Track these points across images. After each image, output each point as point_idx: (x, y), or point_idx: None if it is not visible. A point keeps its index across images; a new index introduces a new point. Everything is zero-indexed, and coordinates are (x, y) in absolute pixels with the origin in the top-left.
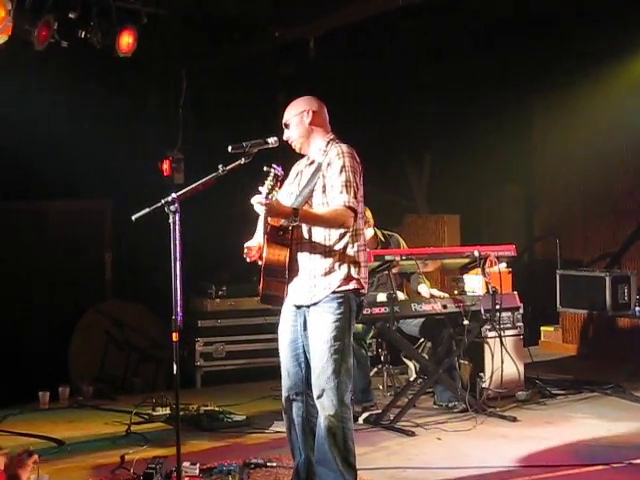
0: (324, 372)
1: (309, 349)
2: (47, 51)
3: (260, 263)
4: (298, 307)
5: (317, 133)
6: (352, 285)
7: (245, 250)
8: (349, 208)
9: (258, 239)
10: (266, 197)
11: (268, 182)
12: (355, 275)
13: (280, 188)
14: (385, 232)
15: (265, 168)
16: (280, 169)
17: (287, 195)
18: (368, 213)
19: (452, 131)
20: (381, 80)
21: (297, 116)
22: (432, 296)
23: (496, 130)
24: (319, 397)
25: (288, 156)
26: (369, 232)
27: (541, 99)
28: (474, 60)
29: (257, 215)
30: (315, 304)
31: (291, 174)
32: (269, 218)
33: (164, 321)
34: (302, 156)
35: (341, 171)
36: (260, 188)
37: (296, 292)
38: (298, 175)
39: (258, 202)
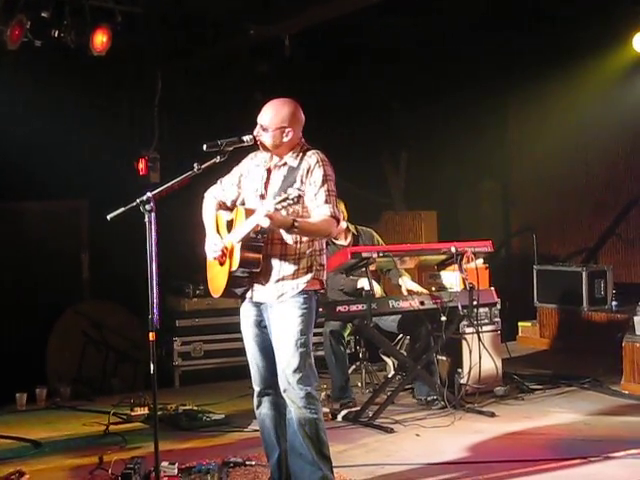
0: (289, 365)
1: (273, 344)
2: (20, 50)
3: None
4: (261, 304)
5: (294, 135)
6: (316, 286)
7: (218, 247)
8: (334, 218)
9: (219, 240)
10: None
11: (280, 197)
12: (320, 277)
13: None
14: (358, 227)
15: None
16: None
17: (252, 192)
18: (341, 206)
19: (428, 128)
20: (357, 78)
21: (278, 130)
22: (409, 291)
23: (472, 127)
24: (285, 391)
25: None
26: (342, 224)
27: (516, 95)
28: (449, 57)
29: None
30: (281, 302)
31: (249, 169)
32: (261, 226)
33: (142, 321)
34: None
35: (324, 181)
36: (265, 201)
37: (261, 290)
38: (263, 172)
39: (260, 212)
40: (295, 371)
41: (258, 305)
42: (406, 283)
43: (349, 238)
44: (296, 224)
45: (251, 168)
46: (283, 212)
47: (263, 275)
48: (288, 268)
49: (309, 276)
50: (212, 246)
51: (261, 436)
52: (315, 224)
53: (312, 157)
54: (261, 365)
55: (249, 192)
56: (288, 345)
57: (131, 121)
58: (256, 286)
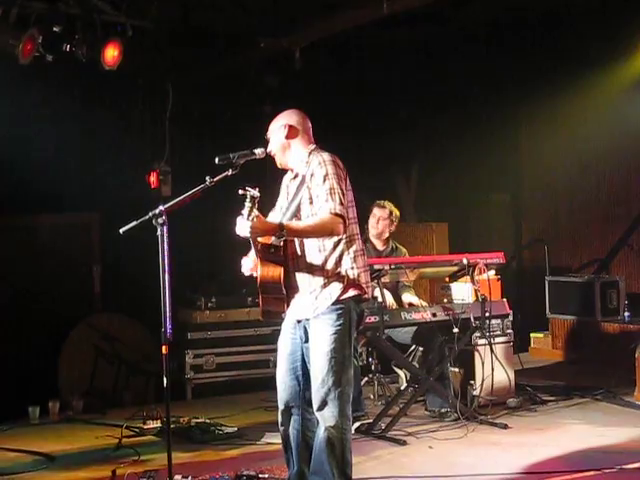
0: (324, 384)
1: (309, 361)
2: (32, 65)
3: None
4: (299, 321)
5: (296, 146)
6: (352, 292)
7: (244, 265)
8: (336, 215)
9: (253, 256)
10: (247, 218)
11: (247, 204)
12: (354, 281)
13: (257, 208)
14: (395, 243)
15: (240, 192)
16: (255, 190)
17: (278, 211)
18: (397, 212)
19: (440, 140)
20: (368, 90)
21: (275, 131)
22: (410, 304)
23: (483, 139)
24: (319, 409)
25: (275, 167)
26: (391, 230)
27: (527, 108)
28: (461, 70)
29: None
30: (316, 316)
31: (281, 189)
32: (258, 237)
33: (153, 334)
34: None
35: (324, 180)
36: (242, 212)
37: (298, 307)
38: (285, 189)
39: (241, 225)
40: (329, 390)
41: (294, 323)
42: (406, 297)
43: (389, 247)
44: (283, 226)
45: (282, 188)
46: (288, 215)
47: (294, 290)
48: (317, 278)
49: (342, 283)
50: (245, 262)
51: (283, 451)
52: (309, 224)
53: (315, 160)
54: (289, 385)
55: (277, 211)
56: (322, 364)
57: (142, 134)
58: (292, 302)
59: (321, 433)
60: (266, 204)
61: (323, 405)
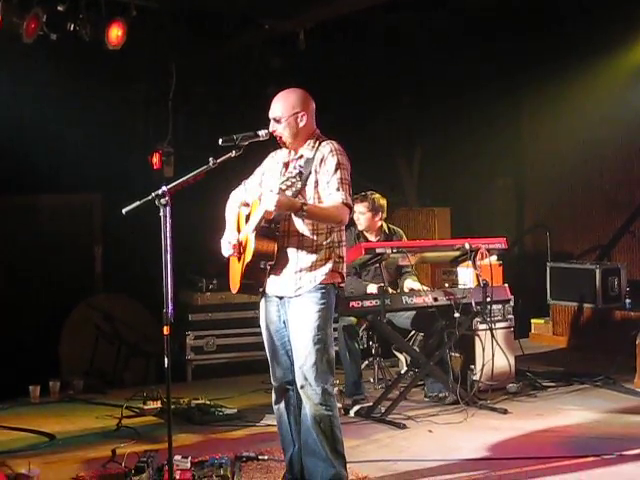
0: (306, 362)
1: (290, 339)
2: (36, 44)
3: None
4: (280, 298)
5: (305, 130)
6: (334, 278)
7: (228, 245)
8: (346, 205)
9: (232, 237)
10: (278, 192)
11: (282, 178)
12: (339, 270)
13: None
14: (391, 227)
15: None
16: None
17: (270, 188)
18: (383, 201)
19: (443, 125)
20: (371, 73)
21: (291, 117)
22: (411, 290)
23: (486, 123)
24: (302, 387)
25: (278, 148)
26: (377, 222)
27: (530, 92)
28: (464, 54)
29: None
30: (298, 295)
31: (270, 167)
32: (268, 211)
33: (154, 315)
34: (268, 146)
35: (336, 169)
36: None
37: (279, 283)
38: (279, 167)
39: (269, 199)
40: (311, 368)
41: (277, 300)
42: (408, 283)
43: (380, 236)
44: (305, 207)
45: (272, 166)
46: (288, 193)
47: (280, 267)
48: (305, 260)
49: (327, 268)
50: (226, 243)
51: (278, 431)
52: (325, 209)
53: (326, 147)
54: (279, 361)
55: (268, 188)
56: (305, 341)
57: (145, 115)
58: (273, 278)
59: (307, 412)
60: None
61: (306, 383)
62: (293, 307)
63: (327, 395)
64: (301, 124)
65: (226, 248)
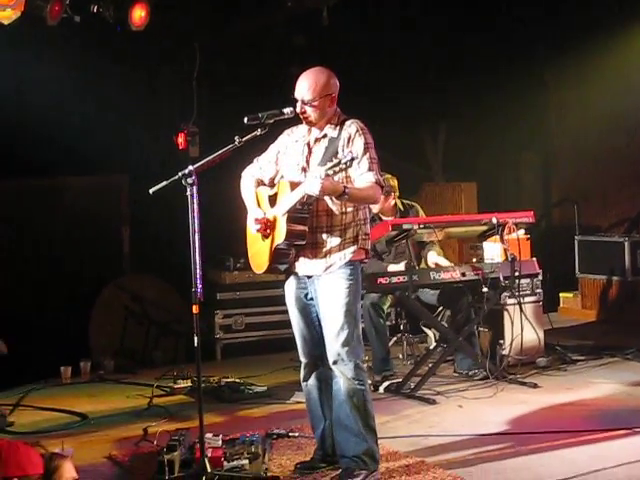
0: (339, 337)
1: (321, 316)
2: (60, 26)
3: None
4: (308, 277)
5: (331, 110)
6: (362, 256)
7: (260, 220)
8: (379, 185)
9: (260, 212)
10: (322, 177)
11: (328, 164)
12: (365, 247)
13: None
14: (405, 202)
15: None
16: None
17: (293, 167)
18: (394, 182)
19: (468, 99)
20: (395, 49)
21: (322, 99)
22: (436, 265)
23: (512, 97)
24: (335, 362)
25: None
26: (391, 201)
27: (556, 66)
28: (490, 28)
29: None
30: (329, 273)
31: (287, 145)
32: (310, 196)
33: (183, 294)
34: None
35: (365, 149)
36: (315, 170)
37: (308, 263)
38: (302, 146)
39: (314, 183)
40: (344, 343)
41: (304, 278)
42: (432, 257)
43: (396, 215)
44: (347, 190)
45: (289, 144)
46: (336, 177)
47: (310, 248)
48: (335, 239)
49: (355, 246)
50: (253, 220)
51: (307, 407)
52: (363, 190)
53: (352, 126)
54: (308, 337)
55: (289, 167)
56: (337, 317)
57: (170, 96)
58: (302, 259)
59: (340, 387)
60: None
61: (339, 358)
62: (323, 284)
63: (359, 370)
64: (327, 104)
65: (254, 226)
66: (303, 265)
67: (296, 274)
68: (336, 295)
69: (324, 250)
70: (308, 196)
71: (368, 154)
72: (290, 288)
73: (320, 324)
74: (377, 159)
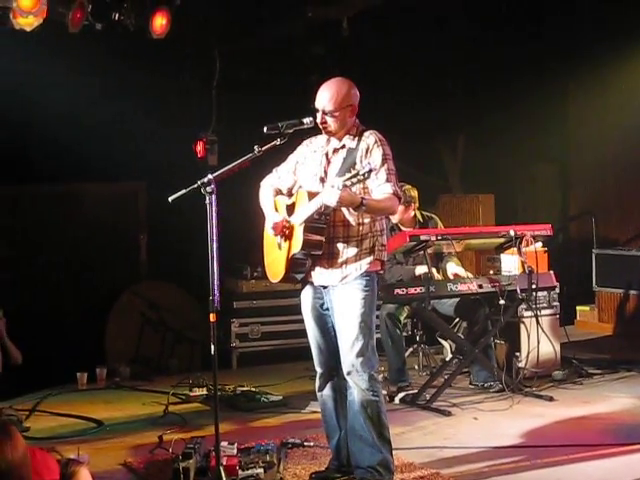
0: (353, 348)
1: (336, 326)
2: (81, 33)
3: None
4: (324, 287)
5: (350, 122)
6: (377, 267)
7: (279, 224)
8: (396, 196)
9: (279, 216)
10: (339, 188)
11: (347, 175)
12: (382, 258)
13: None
14: (425, 213)
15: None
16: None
17: (311, 177)
18: (414, 192)
19: (487, 111)
20: (414, 59)
21: (343, 110)
22: (455, 275)
23: (531, 109)
24: (349, 373)
25: (312, 136)
26: (410, 214)
27: (576, 78)
28: (508, 40)
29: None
30: (345, 284)
31: (305, 155)
32: (327, 206)
33: (199, 302)
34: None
35: (383, 160)
36: (330, 181)
37: (324, 273)
38: (320, 156)
39: (332, 194)
40: (359, 354)
41: (320, 288)
42: (451, 268)
43: (415, 226)
44: (364, 202)
45: (307, 154)
46: (354, 189)
47: (326, 258)
48: (351, 250)
49: (371, 257)
50: (272, 223)
51: (322, 417)
52: (381, 201)
53: (370, 137)
54: (323, 347)
55: (307, 177)
56: (352, 328)
57: (189, 103)
58: (318, 269)
59: (354, 398)
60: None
61: (353, 369)
62: (338, 294)
63: (373, 381)
64: (350, 117)
65: (273, 231)
66: (319, 275)
67: (312, 284)
68: (351, 306)
69: (340, 261)
70: (325, 206)
71: (386, 165)
72: (306, 298)
73: (335, 334)
74: (395, 170)
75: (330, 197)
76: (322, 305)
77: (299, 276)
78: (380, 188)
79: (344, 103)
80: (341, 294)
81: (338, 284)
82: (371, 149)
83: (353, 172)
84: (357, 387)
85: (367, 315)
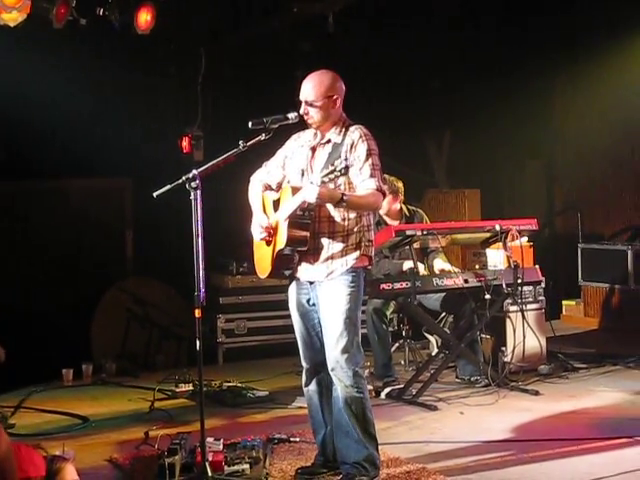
0: (338, 344)
1: (322, 322)
2: (66, 29)
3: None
4: (310, 282)
5: (335, 115)
6: (364, 262)
7: (264, 226)
8: (380, 191)
9: (265, 219)
10: (318, 184)
11: (325, 171)
12: (369, 254)
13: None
14: (410, 207)
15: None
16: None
17: (297, 172)
18: (399, 184)
19: (473, 107)
20: (400, 55)
21: (325, 100)
22: (441, 271)
23: (517, 105)
24: (333, 369)
25: (301, 130)
26: (397, 206)
27: (562, 73)
28: (494, 35)
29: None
30: (330, 279)
31: (294, 150)
32: (308, 203)
33: (185, 298)
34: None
35: (368, 155)
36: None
37: (310, 269)
38: (305, 151)
39: (310, 191)
40: (343, 350)
41: (306, 283)
42: (438, 264)
43: (401, 219)
44: (345, 197)
45: (295, 149)
46: (331, 185)
47: (311, 254)
48: (337, 246)
49: (358, 253)
50: (258, 227)
51: (308, 413)
52: (363, 197)
53: (355, 132)
54: (309, 343)
55: (294, 172)
56: (336, 324)
57: (175, 99)
58: (304, 265)
59: (339, 394)
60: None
61: (337, 365)
62: (324, 290)
63: (358, 377)
64: (331, 106)
65: (258, 232)
66: (305, 271)
67: (298, 279)
68: (336, 302)
69: (326, 256)
70: (308, 203)
71: (370, 160)
72: (292, 293)
73: (322, 330)
74: (380, 166)
75: (309, 194)
76: (308, 300)
77: (286, 272)
78: (364, 184)
79: (326, 93)
80: (327, 290)
81: (324, 280)
82: (356, 144)
83: (330, 168)
84: (341, 383)
85: (352, 311)
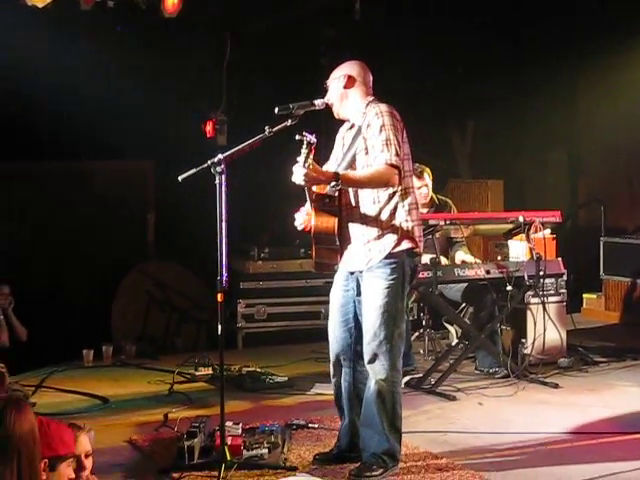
0: (376, 337)
1: (361, 314)
2: (93, 11)
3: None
4: (352, 273)
5: (354, 96)
6: (406, 245)
7: (297, 219)
8: (391, 166)
9: (307, 208)
10: (303, 165)
11: (303, 150)
12: (408, 234)
13: (314, 154)
14: (440, 197)
15: (297, 137)
16: (313, 136)
17: (333, 162)
18: (427, 169)
19: (497, 97)
20: (426, 43)
21: (334, 80)
22: (463, 262)
23: (541, 96)
24: (370, 362)
25: (332, 118)
26: (423, 190)
27: (586, 65)
28: (520, 27)
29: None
30: (369, 269)
31: (336, 141)
32: (313, 187)
33: (205, 282)
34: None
35: (380, 130)
36: (298, 158)
37: (351, 258)
38: (341, 140)
39: (296, 172)
40: (381, 343)
41: (348, 274)
42: (459, 256)
43: (432, 208)
44: (339, 176)
45: (337, 140)
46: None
47: (349, 241)
48: (372, 230)
49: (395, 236)
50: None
51: (334, 402)
52: (364, 174)
53: (371, 111)
54: (340, 337)
55: (333, 162)
56: (374, 318)
57: (200, 83)
58: (345, 254)
59: (372, 386)
60: (321, 156)
61: (374, 358)
62: (365, 282)
63: (394, 371)
64: (341, 85)
65: (298, 221)
66: (347, 260)
67: (342, 269)
68: (374, 296)
69: (363, 242)
70: (307, 188)
71: (383, 134)
72: (336, 282)
73: (355, 326)
74: (395, 140)
75: (295, 175)
76: (348, 291)
77: (326, 264)
78: (376, 160)
79: (335, 74)
80: (366, 283)
81: (365, 269)
82: (370, 122)
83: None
84: (376, 376)
85: (391, 305)
